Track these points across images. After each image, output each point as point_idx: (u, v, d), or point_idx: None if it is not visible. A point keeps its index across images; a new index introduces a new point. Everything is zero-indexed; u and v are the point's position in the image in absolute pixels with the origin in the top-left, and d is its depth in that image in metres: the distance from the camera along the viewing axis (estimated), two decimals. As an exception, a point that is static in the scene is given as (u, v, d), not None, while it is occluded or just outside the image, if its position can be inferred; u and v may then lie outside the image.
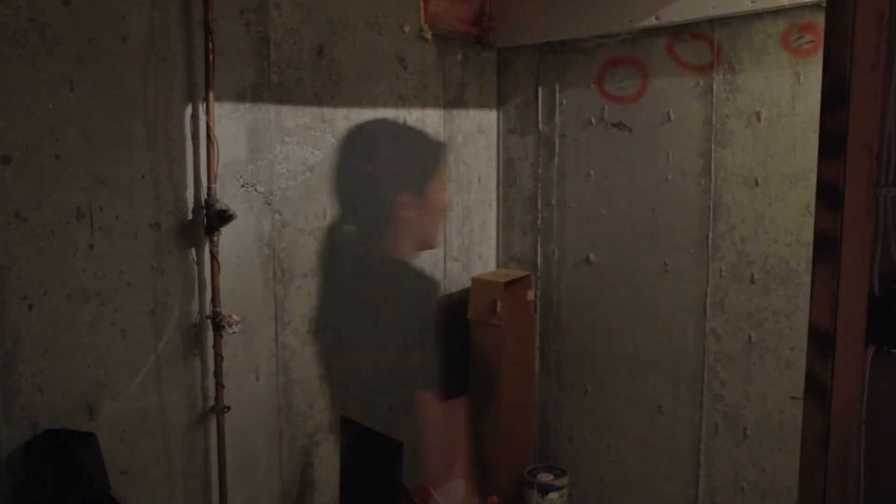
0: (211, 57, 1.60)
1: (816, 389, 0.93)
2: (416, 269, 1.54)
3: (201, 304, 1.66)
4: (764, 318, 1.98)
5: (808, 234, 1.84)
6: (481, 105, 2.45)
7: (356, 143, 1.53)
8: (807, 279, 1.42)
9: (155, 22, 1.54)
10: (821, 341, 0.93)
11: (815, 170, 0.93)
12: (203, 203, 1.63)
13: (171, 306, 1.60)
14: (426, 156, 1.50)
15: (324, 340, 1.72)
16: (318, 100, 1.89)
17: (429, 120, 2.24)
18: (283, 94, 1.81)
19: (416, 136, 1.66)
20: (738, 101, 1.98)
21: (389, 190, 1.46)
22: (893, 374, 0.89)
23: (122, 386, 1.53)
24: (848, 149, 0.88)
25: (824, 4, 0.95)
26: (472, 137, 2.42)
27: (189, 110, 1.61)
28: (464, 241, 2.43)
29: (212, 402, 1.69)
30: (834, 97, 0.90)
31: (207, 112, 1.62)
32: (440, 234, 1.53)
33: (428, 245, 1.56)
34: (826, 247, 0.91)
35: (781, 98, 1.90)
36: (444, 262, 2.34)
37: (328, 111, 1.92)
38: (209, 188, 1.63)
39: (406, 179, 1.46)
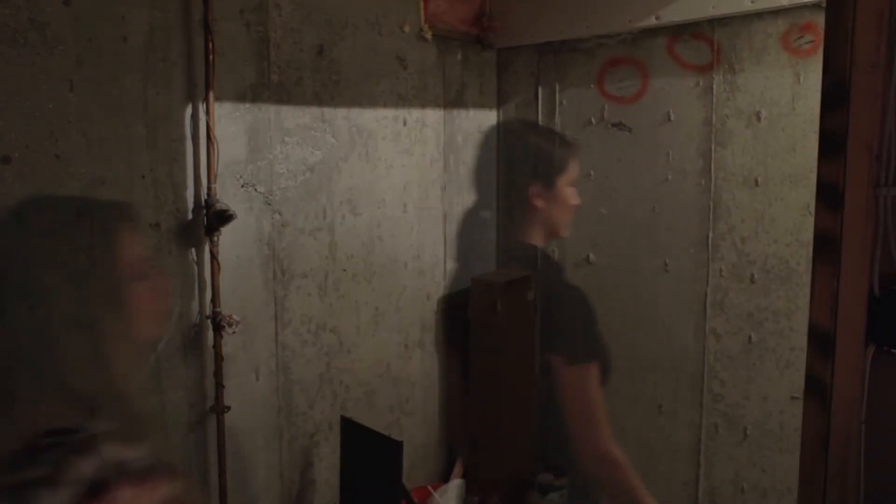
0: (211, 57, 1.60)
1: (816, 389, 0.93)
2: (542, 253, 1.71)
3: (201, 304, 1.66)
4: (764, 318, 1.98)
5: (808, 234, 1.83)
6: (481, 105, 2.45)
7: (493, 141, 1.68)
8: (807, 279, 1.42)
9: (155, 22, 1.54)
10: (821, 341, 0.93)
11: (815, 170, 0.93)
12: (203, 203, 1.63)
13: (170, 306, 1.60)
14: (556, 153, 1.66)
15: (449, 316, 1.90)
16: (318, 100, 1.89)
17: (429, 120, 2.24)
18: (283, 94, 1.81)
19: (548, 135, 1.83)
20: (738, 101, 1.98)
21: (523, 181, 1.60)
22: (893, 374, 0.89)
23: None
24: (848, 149, 0.88)
25: (824, 4, 0.95)
26: (472, 137, 2.42)
27: (189, 110, 1.61)
28: (464, 241, 2.43)
29: (212, 402, 1.69)
30: (834, 97, 0.90)
31: (207, 112, 1.62)
32: (568, 226, 1.69)
33: (556, 234, 1.71)
34: (826, 247, 0.91)
35: (781, 98, 1.90)
36: (444, 262, 2.34)
37: (328, 111, 1.92)
38: (209, 188, 1.63)
39: (538, 173, 1.61)
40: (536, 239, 1.71)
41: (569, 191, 1.64)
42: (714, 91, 2.01)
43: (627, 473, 1.66)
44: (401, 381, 2.22)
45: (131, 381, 1.11)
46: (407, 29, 2.12)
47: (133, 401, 1.09)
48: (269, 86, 1.78)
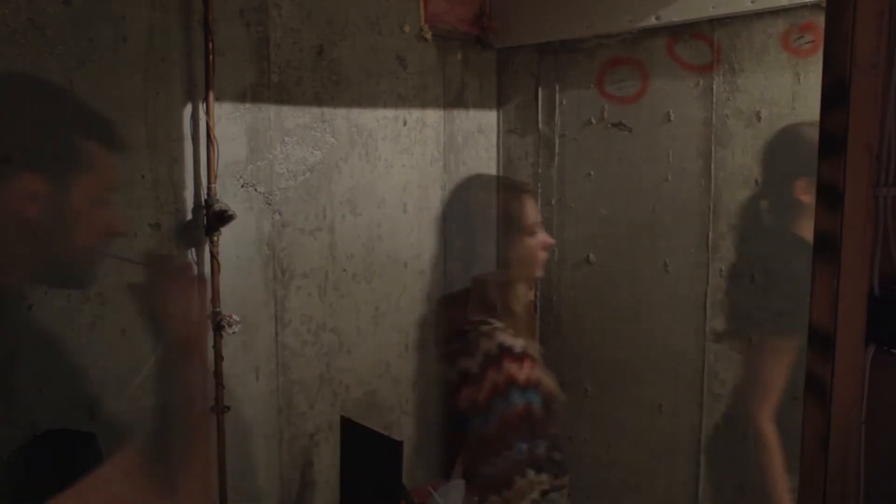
0: (211, 57, 1.60)
1: (816, 389, 0.93)
2: (804, 242, 1.81)
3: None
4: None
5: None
6: (481, 105, 2.45)
7: (782, 143, 1.89)
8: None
9: (155, 22, 1.54)
10: (821, 341, 0.93)
11: (815, 170, 0.93)
12: (203, 203, 1.63)
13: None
14: None
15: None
16: (318, 100, 1.89)
17: (429, 120, 2.24)
18: (283, 94, 1.81)
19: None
20: (738, 101, 1.98)
21: (791, 175, 1.81)
22: (893, 374, 0.89)
23: (122, 386, 1.53)
24: (848, 149, 0.88)
25: (824, 4, 0.95)
26: (472, 137, 2.42)
27: (189, 110, 1.61)
28: (464, 240, 2.43)
29: (212, 402, 1.68)
30: (834, 97, 0.89)
31: (207, 112, 1.62)
32: None
33: None
34: (826, 247, 0.91)
35: (781, 98, 1.90)
36: (444, 262, 2.34)
37: (328, 111, 1.92)
38: (209, 188, 1.63)
39: (804, 169, 1.77)
40: (805, 231, 1.83)
41: None
42: (714, 91, 2.01)
43: (771, 454, 1.80)
44: (401, 381, 2.22)
45: (518, 300, 1.73)
46: (407, 29, 2.12)
47: (517, 313, 1.72)
48: (269, 86, 1.78)
